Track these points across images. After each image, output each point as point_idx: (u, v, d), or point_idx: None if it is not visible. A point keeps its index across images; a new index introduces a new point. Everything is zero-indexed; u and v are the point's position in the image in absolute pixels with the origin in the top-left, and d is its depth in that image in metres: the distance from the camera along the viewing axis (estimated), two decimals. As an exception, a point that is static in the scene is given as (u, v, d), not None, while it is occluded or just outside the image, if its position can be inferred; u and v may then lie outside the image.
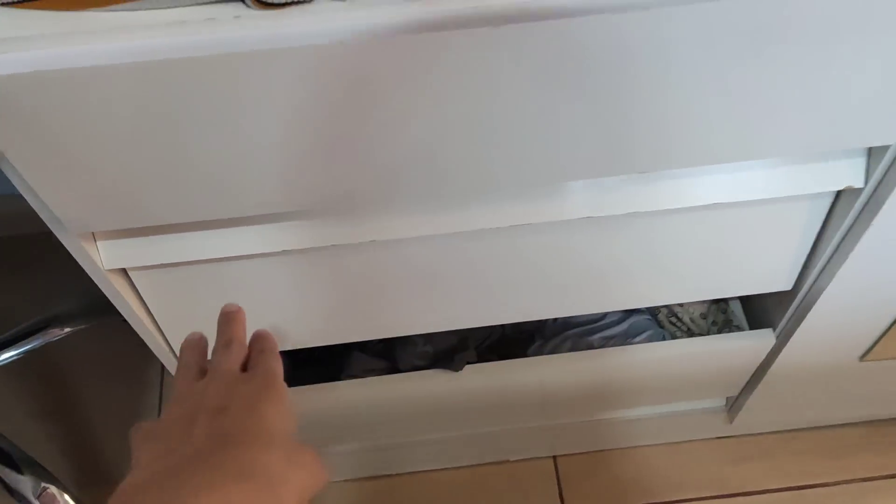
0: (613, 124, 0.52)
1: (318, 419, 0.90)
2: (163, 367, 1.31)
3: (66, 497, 1.08)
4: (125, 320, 1.37)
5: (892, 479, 1.10)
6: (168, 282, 0.69)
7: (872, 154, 0.62)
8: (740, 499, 1.10)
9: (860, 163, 0.62)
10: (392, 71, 0.47)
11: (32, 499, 1.07)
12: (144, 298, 0.71)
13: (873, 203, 0.64)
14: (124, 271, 0.67)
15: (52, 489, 1.08)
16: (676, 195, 0.64)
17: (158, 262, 0.65)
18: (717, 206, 0.65)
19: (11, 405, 1.30)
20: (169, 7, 0.44)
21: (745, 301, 0.93)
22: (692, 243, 0.70)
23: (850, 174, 0.63)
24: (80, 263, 0.63)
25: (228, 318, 0.50)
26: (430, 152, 0.54)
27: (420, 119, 0.51)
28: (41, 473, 1.08)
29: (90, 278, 0.65)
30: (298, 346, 0.80)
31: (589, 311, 0.75)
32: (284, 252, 0.65)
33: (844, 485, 1.10)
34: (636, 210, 0.64)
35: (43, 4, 0.44)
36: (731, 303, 0.93)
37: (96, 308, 1.29)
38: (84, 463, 1.23)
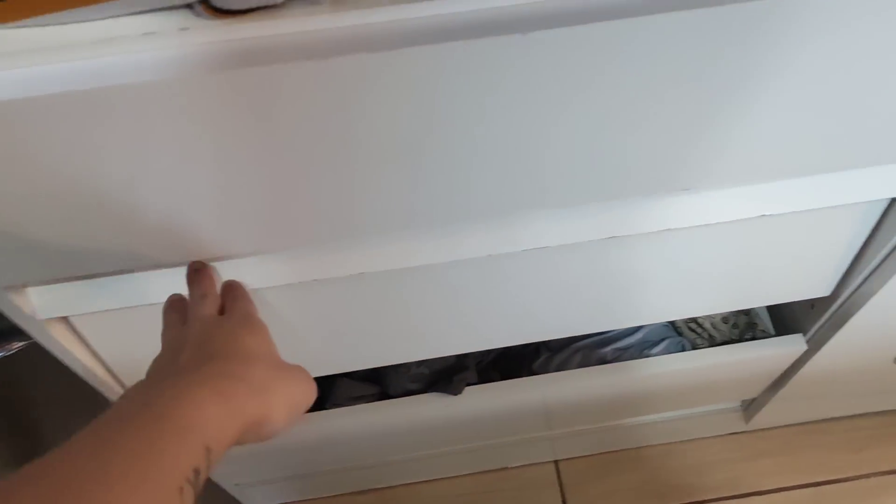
0: (669, 143, 0.43)
1: (298, 451, 0.81)
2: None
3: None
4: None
5: (915, 471, 1.04)
6: (119, 326, 0.58)
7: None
8: (755, 498, 1.03)
9: (931, 164, 0.53)
10: (421, 76, 0.36)
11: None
12: (92, 345, 0.60)
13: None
14: (64, 318, 0.56)
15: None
16: (718, 209, 0.54)
17: (103, 308, 0.54)
18: (763, 217, 0.56)
19: (-40, 427, 1.18)
20: (94, 19, 0.33)
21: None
22: (730, 256, 0.61)
23: (920, 177, 0.54)
24: (7, 315, 0.52)
25: (198, 275, 0.48)
26: (433, 179, 0.44)
27: (423, 142, 0.40)
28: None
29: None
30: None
31: (617, 327, 0.67)
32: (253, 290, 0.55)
33: (864, 479, 1.04)
34: (670, 227, 0.54)
35: (-83, 19, 0.33)
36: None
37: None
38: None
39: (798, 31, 0.37)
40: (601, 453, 1.08)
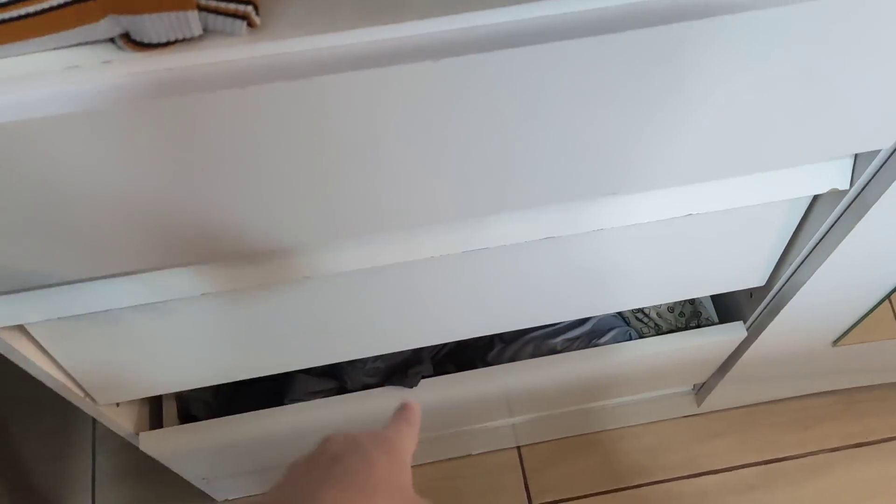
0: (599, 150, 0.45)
1: (258, 447, 0.83)
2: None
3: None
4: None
5: (859, 448, 1.08)
6: (74, 332, 0.60)
7: (859, 157, 0.56)
8: (709, 477, 1.07)
9: (846, 166, 0.56)
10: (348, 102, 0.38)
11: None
12: (50, 352, 0.61)
13: (859, 205, 0.59)
14: (21, 327, 0.58)
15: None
16: (646, 210, 0.57)
17: (55, 317, 0.56)
18: (690, 217, 0.58)
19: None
20: (17, 55, 0.35)
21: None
22: (665, 251, 0.64)
23: (836, 177, 0.57)
24: (-38, 327, 0.54)
25: (399, 412, 0.47)
26: (361, 193, 0.46)
27: (366, 152, 0.42)
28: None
29: None
30: (236, 379, 0.72)
31: (562, 320, 0.70)
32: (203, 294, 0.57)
33: (812, 456, 1.08)
34: (602, 227, 0.57)
35: None
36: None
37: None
38: (14, 485, 1.14)
39: (715, 49, 0.40)
40: (562, 438, 1.11)
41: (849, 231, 0.61)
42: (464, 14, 0.37)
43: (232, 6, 0.34)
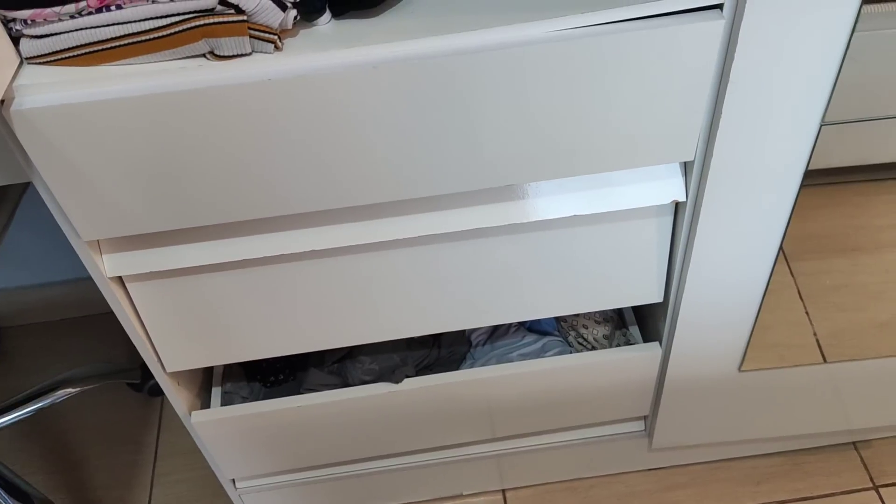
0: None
1: (284, 434, 1.06)
2: (158, 431, 1.48)
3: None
4: (128, 384, 1.54)
5: (806, 500, 1.21)
6: (155, 295, 0.87)
7: (691, 173, 0.81)
8: (670, 522, 1.22)
9: (680, 180, 0.82)
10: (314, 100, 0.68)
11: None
12: (137, 308, 0.89)
13: (695, 214, 0.83)
14: (123, 285, 0.86)
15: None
16: (544, 210, 0.83)
17: (147, 271, 0.84)
18: (577, 222, 0.84)
19: (22, 462, 1.46)
20: (155, 62, 0.66)
21: (643, 327, 1.10)
22: (564, 259, 0.88)
23: (675, 190, 0.82)
24: (89, 270, 0.83)
25: None
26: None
27: (326, 142, 0.71)
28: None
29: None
30: (267, 356, 0.97)
31: (486, 323, 0.93)
32: (252, 266, 0.85)
33: (763, 507, 1.22)
34: (515, 222, 0.83)
35: (68, 62, 0.67)
36: (630, 328, 1.10)
37: (100, 373, 1.48)
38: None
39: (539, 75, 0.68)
40: (542, 484, 1.28)
41: (694, 241, 0.85)
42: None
43: (265, 35, 0.65)
